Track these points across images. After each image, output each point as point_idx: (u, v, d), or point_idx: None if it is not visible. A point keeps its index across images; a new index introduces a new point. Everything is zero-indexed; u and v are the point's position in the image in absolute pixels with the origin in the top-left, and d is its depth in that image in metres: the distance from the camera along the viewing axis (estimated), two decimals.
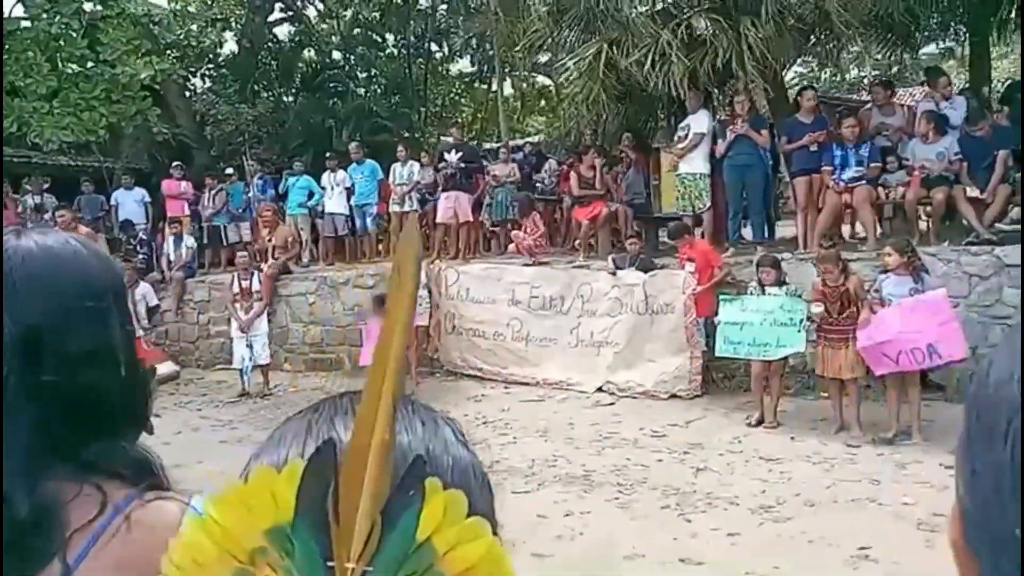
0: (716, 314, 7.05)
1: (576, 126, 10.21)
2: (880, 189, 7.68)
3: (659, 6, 8.62)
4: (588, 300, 8.49)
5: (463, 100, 21.62)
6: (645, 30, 8.27)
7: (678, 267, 7.98)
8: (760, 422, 6.60)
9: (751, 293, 6.86)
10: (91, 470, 0.83)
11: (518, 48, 14.27)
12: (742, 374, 7.40)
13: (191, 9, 16.59)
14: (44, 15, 11.66)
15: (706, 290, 7.40)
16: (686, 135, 8.60)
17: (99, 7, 12.22)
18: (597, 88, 8.53)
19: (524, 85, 20.45)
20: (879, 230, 7.78)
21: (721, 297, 7.07)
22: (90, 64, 11.94)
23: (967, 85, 9.26)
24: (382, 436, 0.43)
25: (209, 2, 17.60)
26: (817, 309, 6.22)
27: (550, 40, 10.48)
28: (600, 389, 8.19)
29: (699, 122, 8.54)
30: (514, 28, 12.67)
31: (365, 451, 0.43)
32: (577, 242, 9.55)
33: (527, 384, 8.66)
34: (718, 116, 9.25)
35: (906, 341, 5.81)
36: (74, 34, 11.73)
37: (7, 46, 11.65)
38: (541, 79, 21.11)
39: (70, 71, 11.95)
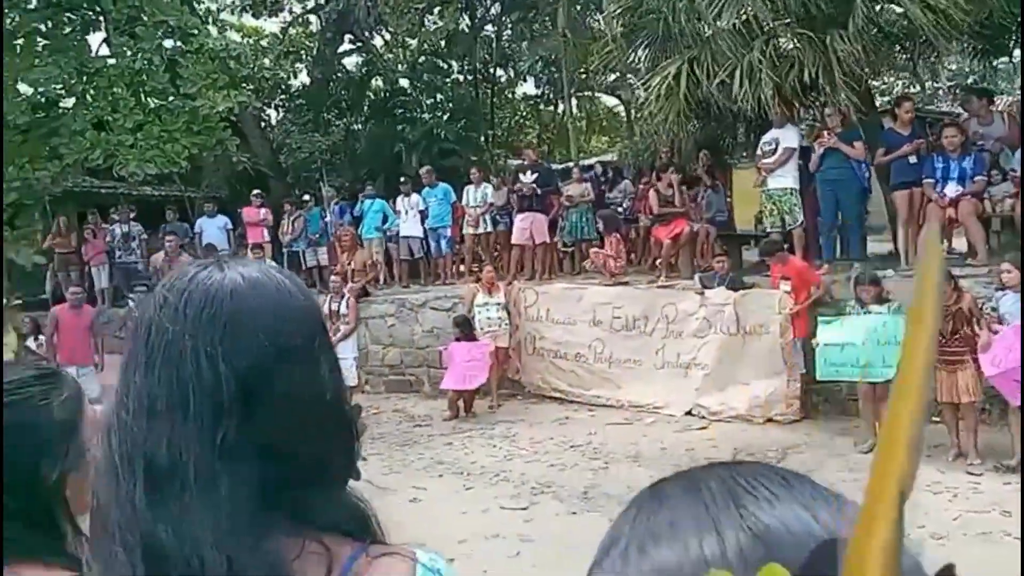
0: (813, 335, 6.77)
1: (652, 144, 10.05)
2: (987, 202, 7.30)
3: (741, 20, 8.41)
4: (673, 321, 8.29)
5: (528, 122, 21.71)
6: (729, 48, 8.10)
7: (768, 286, 7.73)
8: (872, 449, 6.27)
9: (850, 312, 6.58)
10: (310, 523, 0.75)
11: (587, 69, 14.32)
12: (844, 397, 7.08)
13: (264, 43, 17.15)
14: (128, 52, 12.14)
15: (803, 310, 7.13)
16: (773, 150, 8.37)
17: (180, 43, 12.67)
18: (678, 107, 8.38)
19: (589, 105, 20.41)
20: (988, 245, 7.39)
21: (820, 318, 6.79)
22: (171, 98, 12.37)
23: None
24: (889, 535, 0.33)
25: (281, 36, 18.17)
26: None
27: (622, 60, 10.40)
28: (689, 412, 7.96)
29: (788, 137, 8.31)
30: (584, 50, 12.65)
31: (865, 554, 0.32)
32: (658, 261, 9.37)
33: (612, 407, 8.49)
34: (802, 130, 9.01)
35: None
36: (156, 69, 12.17)
37: (94, 83, 12.18)
38: (605, 99, 21.10)
39: (153, 105, 12.40)
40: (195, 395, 0.71)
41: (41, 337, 8.70)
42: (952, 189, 7.32)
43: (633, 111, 15.42)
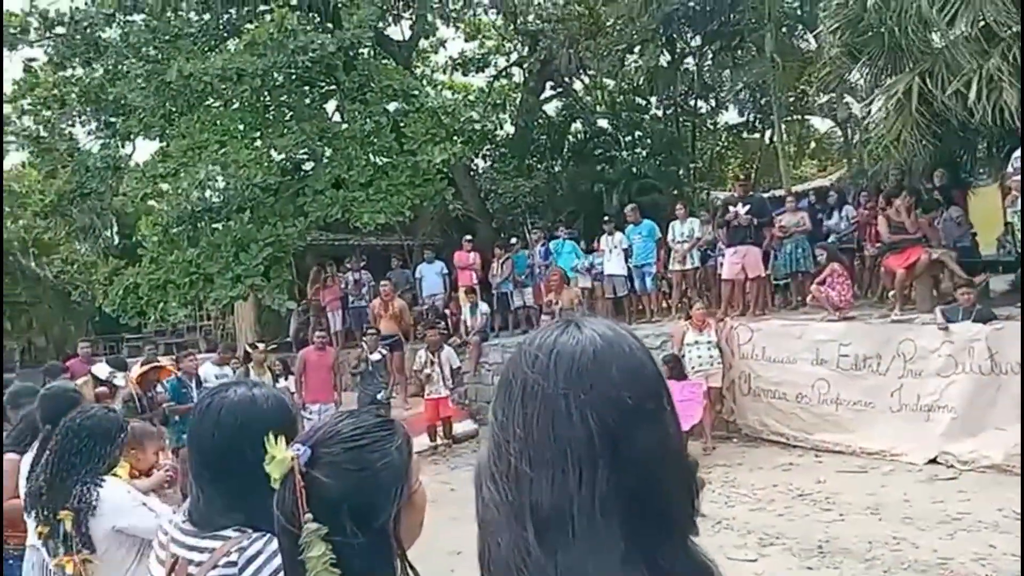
0: None
1: (879, 166, 9.32)
2: None
3: (978, 26, 7.62)
4: (911, 359, 7.55)
5: (730, 152, 21.08)
6: (964, 57, 7.36)
7: None
8: None
9: None
10: (664, 571, 0.77)
11: (796, 91, 13.66)
12: None
13: (472, 98, 18.20)
14: (358, 116, 13.42)
15: None
16: None
17: (403, 104, 13.79)
18: (910, 124, 7.71)
19: (799, 129, 19.41)
20: None
21: None
22: (396, 155, 13.48)
23: None
24: None
25: (488, 89, 19.20)
26: None
27: (841, 79, 9.80)
28: (934, 460, 7.16)
29: None
30: (794, 72, 12.09)
31: None
32: (891, 294, 8.60)
33: (841, 452, 7.85)
34: None
35: None
36: (384, 129, 13.33)
37: (332, 145, 13.59)
38: (815, 122, 19.99)
39: (381, 162, 13.57)
40: (572, 448, 0.77)
41: (291, 377, 9.68)
42: None
43: (851, 132, 14.42)
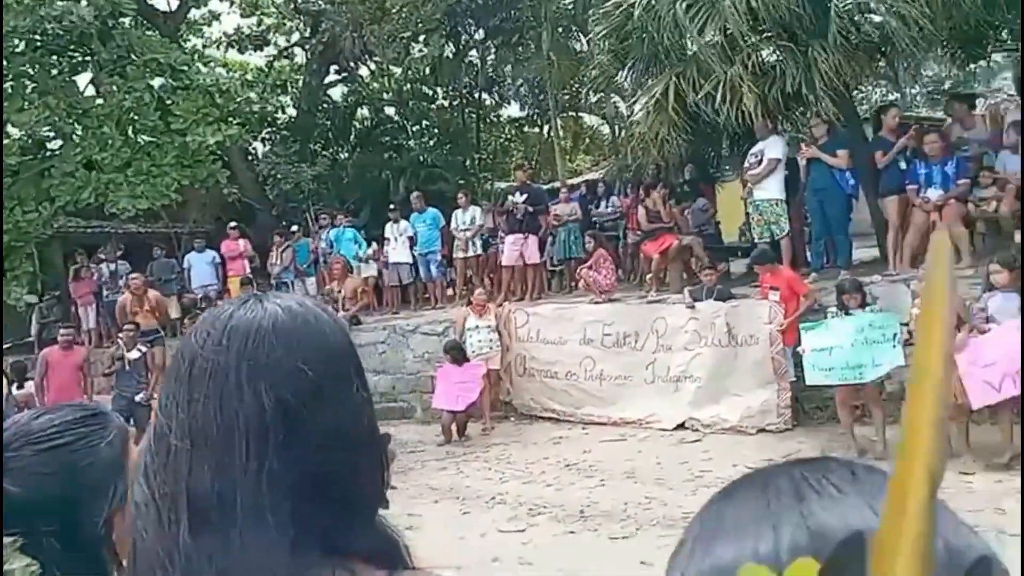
0: (800, 343, 6.77)
1: (639, 161, 10.11)
2: (970, 204, 7.34)
3: (724, 35, 8.49)
4: (663, 335, 8.28)
5: (513, 144, 21.84)
6: (712, 63, 8.17)
7: (758, 296, 7.73)
8: (862, 453, 6.24)
9: (832, 316, 6.58)
10: (344, 552, 0.74)
11: (572, 90, 14.43)
12: (835, 404, 7.06)
13: (250, 78, 17.27)
14: (117, 91, 12.21)
15: (794, 319, 7.13)
16: (758, 161, 8.42)
17: (170, 80, 12.75)
18: (667, 123, 8.42)
19: (574, 125, 20.54)
20: (972, 247, 7.42)
21: (802, 325, 6.79)
22: (161, 134, 12.44)
23: None
24: (922, 530, 0.32)
25: (267, 69, 18.30)
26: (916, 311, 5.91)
27: (609, 81, 10.49)
28: (682, 426, 7.92)
29: (773, 148, 8.37)
30: (568, 71, 12.76)
31: (899, 549, 0.32)
32: (648, 277, 9.37)
33: (604, 424, 8.44)
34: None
35: (1011, 364, 5.43)
36: (147, 107, 12.24)
37: (83, 123, 12.24)
38: (589, 119, 21.25)
39: (143, 142, 12.45)
40: (240, 427, 0.71)
41: (28, 384, 8.60)
42: (935, 194, 7.37)
43: (618, 129, 15.52)
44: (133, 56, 12.59)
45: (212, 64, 15.92)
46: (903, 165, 7.68)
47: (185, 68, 13.02)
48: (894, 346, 6.08)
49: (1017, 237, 7.41)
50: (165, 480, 0.71)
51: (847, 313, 6.42)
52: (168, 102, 12.64)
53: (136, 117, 12.30)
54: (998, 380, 5.50)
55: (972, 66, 10.64)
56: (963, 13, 7.24)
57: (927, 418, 0.34)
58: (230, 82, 14.44)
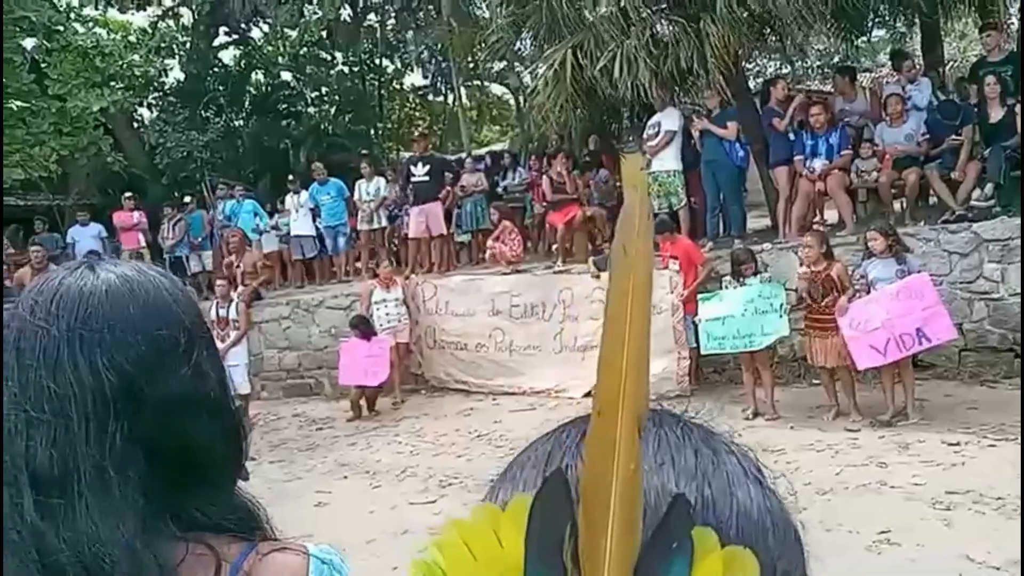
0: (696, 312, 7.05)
1: (542, 131, 10.15)
2: (852, 175, 7.77)
3: (619, 6, 8.58)
4: (570, 305, 8.43)
5: (418, 113, 21.50)
6: (609, 35, 8.25)
7: (660, 266, 7.96)
8: (756, 414, 6.59)
9: (726, 287, 6.87)
10: (197, 524, 0.73)
11: (475, 58, 14.29)
12: (732, 367, 7.40)
13: (132, 39, 16.22)
14: None
15: (692, 287, 7.39)
16: (656, 133, 8.62)
17: (45, 41, 11.84)
18: (565, 93, 8.48)
19: (479, 95, 20.39)
20: (855, 216, 7.87)
21: (700, 296, 7.05)
22: (36, 98, 11.57)
23: (920, 67, 9.42)
24: (627, 466, 0.33)
25: (151, 30, 17.24)
26: (803, 273, 6.25)
27: (509, 49, 10.44)
28: (588, 394, 8.10)
29: (669, 120, 8.57)
30: (470, 39, 12.62)
31: (605, 487, 0.33)
32: (554, 247, 9.49)
33: (514, 394, 8.55)
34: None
35: (894, 327, 5.83)
36: (18, 70, 11.33)
37: None
38: (494, 88, 21.15)
39: (16, 107, 11.54)
40: (77, 399, 0.69)
41: None
42: (820, 164, 7.75)
43: (522, 99, 15.52)
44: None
45: (90, 24, 14.86)
46: (791, 137, 8.03)
47: (60, 28, 12.12)
48: (780, 316, 6.42)
49: (896, 206, 7.93)
50: (6, 455, 0.69)
51: (741, 281, 6.72)
52: (43, 65, 11.75)
53: (7, 80, 11.37)
54: (883, 345, 5.88)
55: (857, 41, 11.17)
56: None
57: (631, 359, 0.34)
58: (111, 43, 13.55)
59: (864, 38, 10.91)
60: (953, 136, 7.38)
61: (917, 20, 9.78)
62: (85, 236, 11.70)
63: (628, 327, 0.35)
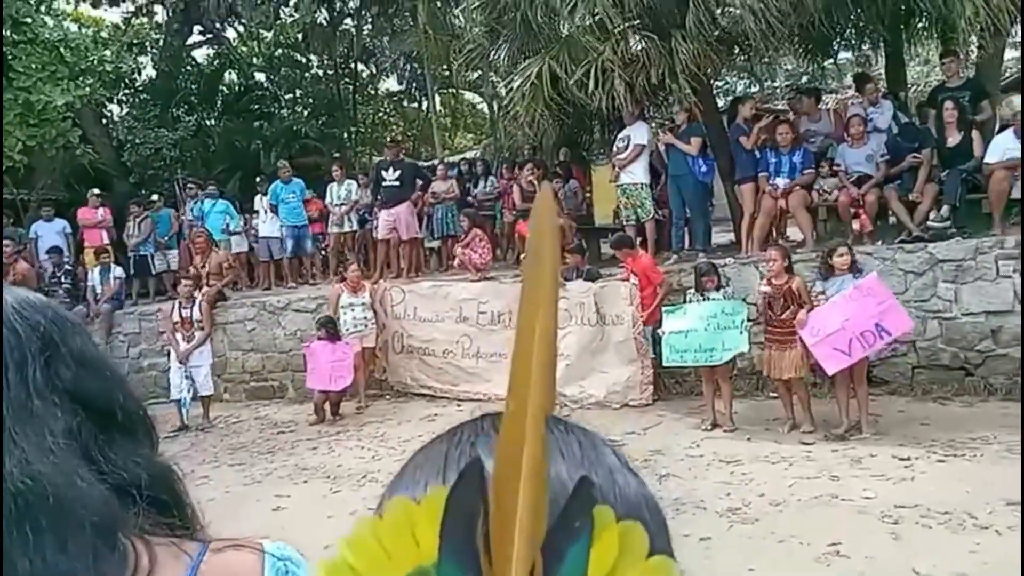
0: (661, 324, 7.14)
1: (514, 141, 10.22)
2: (814, 193, 7.94)
3: (595, 19, 8.67)
4: None
5: (392, 119, 21.48)
6: (584, 48, 8.34)
7: (621, 277, 8.05)
8: (715, 426, 6.69)
9: (691, 300, 6.97)
10: (118, 469, 0.74)
11: (451, 66, 14.32)
12: (693, 379, 7.51)
13: (104, 35, 16.00)
14: None
15: (651, 298, 7.49)
16: (626, 146, 8.73)
17: (12, 33, 11.64)
18: (540, 105, 8.55)
19: (453, 102, 20.44)
20: (815, 233, 8.04)
21: (664, 308, 7.15)
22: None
23: (884, 90, 9.67)
24: (534, 456, 0.36)
25: (124, 26, 17.03)
26: (765, 288, 6.38)
27: (484, 58, 10.50)
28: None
29: (638, 134, 8.69)
30: (446, 47, 12.66)
31: (515, 476, 0.36)
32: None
33: (480, 400, 8.56)
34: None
35: (854, 327, 5.95)
36: None
37: None
38: (469, 96, 21.21)
39: None
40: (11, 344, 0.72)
41: None
42: (783, 182, 7.92)
43: (496, 108, 15.59)
44: None
45: (61, 17, 14.62)
46: (757, 154, 8.20)
47: (28, 20, 11.92)
48: (741, 332, 6.55)
49: (855, 225, 8.11)
50: None
51: (704, 296, 6.82)
52: (10, 57, 11.54)
53: None
54: (846, 345, 5.99)
55: (824, 63, 11.42)
56: (808, 12, 7.72)
57: (540, 361, 0.37)
58: (81, 38, 13.34)
59: (831, 60, 11.14)
60: (912, 155, 7.59)
61: (882, 44, 10.01)
62: (49, 232, 11.51)
63: (536, 333, 0.37)
